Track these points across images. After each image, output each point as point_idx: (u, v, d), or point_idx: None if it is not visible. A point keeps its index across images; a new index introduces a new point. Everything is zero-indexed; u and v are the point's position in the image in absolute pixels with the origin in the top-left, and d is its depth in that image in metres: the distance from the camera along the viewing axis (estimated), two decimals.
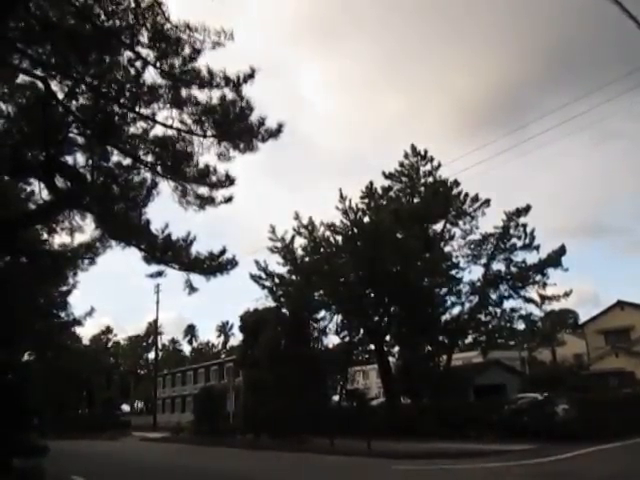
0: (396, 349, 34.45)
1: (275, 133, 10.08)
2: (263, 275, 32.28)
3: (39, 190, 11.30)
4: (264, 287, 32.42)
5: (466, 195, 32.44)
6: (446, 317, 32.03)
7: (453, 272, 31.82)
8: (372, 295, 31.68)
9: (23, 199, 12.60)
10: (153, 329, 69.84)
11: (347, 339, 32.98)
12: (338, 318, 32.51)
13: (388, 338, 33.31)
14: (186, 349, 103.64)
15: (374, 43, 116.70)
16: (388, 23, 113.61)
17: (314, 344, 32.03)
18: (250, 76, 9.56)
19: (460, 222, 32.70)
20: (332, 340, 34.38)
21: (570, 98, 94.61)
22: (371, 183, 33.27)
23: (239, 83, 9.52)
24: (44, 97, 9.53)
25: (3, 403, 14.33)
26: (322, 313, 32.72)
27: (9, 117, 10.48)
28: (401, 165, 34.11)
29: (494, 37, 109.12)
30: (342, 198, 31.35)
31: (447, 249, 32.57)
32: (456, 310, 31.91)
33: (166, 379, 67.45)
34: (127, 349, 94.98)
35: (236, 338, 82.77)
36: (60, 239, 13.24)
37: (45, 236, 12.74)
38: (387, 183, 34.04)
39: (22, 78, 9.83)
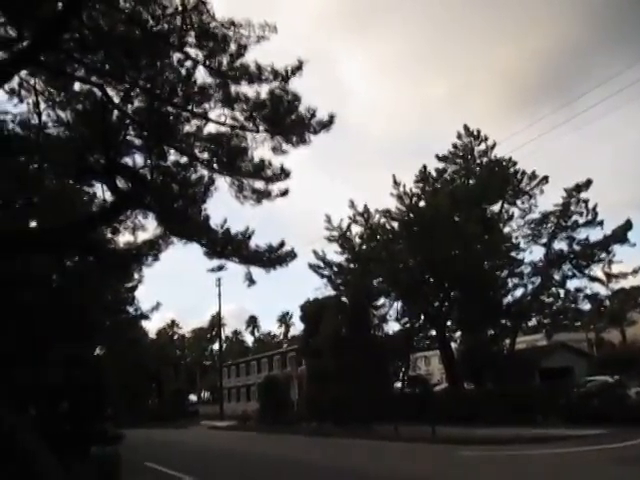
0: (458, 334, 34.10)
1: (327, 124, 10.07)
2: (321, 264, 32.61)
3: (102, 192, 11.79)
4: (323, 276, 32.79)
5: (523, 173, 31.61)
6: (508, 300, 31.47)
7: (513, 253, 31.11)
8: (432, 280, 31.38)
9: (87, 202, 13.17)
10: (216, 321, 71.69)
11: (408, 325, 32.85)
12: (398, 305, 32.50)
13: (449, 323, 32.99)
14: (249, 340, 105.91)
15: (411, 25, 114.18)
16: (423, 2, 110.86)
17: (375, 331, 32.10)
18: (298, 68, 9.58)
19: (518, 201, 31.95)
20: (392, 327, 34.39)
21: (623, 65, 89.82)
22: (424, 167, 32.93)
23: (287, 76, 9.56)
24: (101, 103, 9.91)
25: (80, 395, 15.15)
26: (382, 300, 32.82)
27: (69, 124, 10.95)
28: (455, 147, 33.46)
29: (539, 5, 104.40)
30: (396, 184, 31.23)
31: (506, 230, 31.91)
32: (518, 292, 31.28)
33: (231, 369, 69.18)
34: (192, 342, 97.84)
35: (297, 328, 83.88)
36: (124, 238, 13.78)
37: (110, 236, 13.27)
38: (441, 166, 33.61)
39: (79, 86, 10.24)
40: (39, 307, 12.78)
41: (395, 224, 31.58)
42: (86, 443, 13.83)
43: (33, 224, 13.09)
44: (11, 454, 6.66)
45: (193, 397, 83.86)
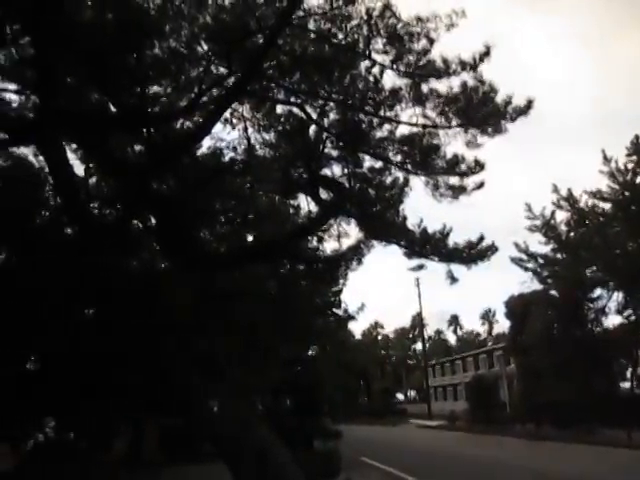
0: None
1: (524, 110, 9.54)
2: (524, 257, 30.77)
3: (306, 204, 12.71)
4: (527, 269, 30.91)
5: None
6: None
7: None
8: None
9: (294, 214, 14.28)
10: (418, 321, 72.00)
11: (632, 318, 29.38)
12: (618, 295, 29.24)
13: None
14: (451, 339, 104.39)
15: None
16: None
17: (592, 326, 29.37)
18: (486, 54, 9.23)
19: None
20: (613, 320, 31.10)
21: None
22: (637, 137, 29.15)
23: (476, 64, 9.27)
24: (300, 121, 10.68)
25: (300, 393, 16.39)
26: (598, 291, 29.83)
27: (273, 145, 11.99)
28: None
29: None
30: (606, 160, 28.15)
31: None
32: None
33: (435, 368, 68.84)
34: (395, 341, 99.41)
35: (500, 325, 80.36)
36: (330, 245, 14.64)
37: (317, 244, 14.21)
38: None
39: (280, 108, 11.14)
40: (261, 314, 14.16)
41: (607, 205, 28.53)
42: (310, 437, 14.91)
43: (250, 238, 14.61)
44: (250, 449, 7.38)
45: (400, 396, 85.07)
